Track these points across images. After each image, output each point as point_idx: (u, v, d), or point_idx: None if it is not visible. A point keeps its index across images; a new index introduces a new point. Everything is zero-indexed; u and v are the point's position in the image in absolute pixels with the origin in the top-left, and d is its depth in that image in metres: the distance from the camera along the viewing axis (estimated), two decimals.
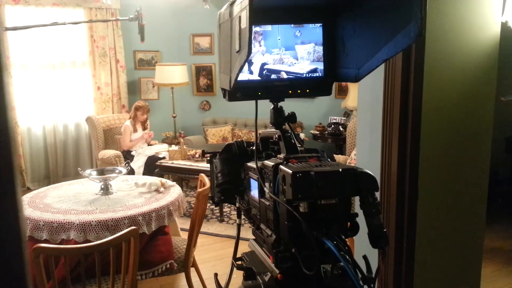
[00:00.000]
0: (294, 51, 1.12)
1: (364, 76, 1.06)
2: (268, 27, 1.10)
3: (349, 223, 0.96)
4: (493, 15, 2.18)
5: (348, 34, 1.10)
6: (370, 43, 1.03)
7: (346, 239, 0.95)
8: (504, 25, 2.46)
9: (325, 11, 1.13)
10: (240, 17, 0.87)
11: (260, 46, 1.09)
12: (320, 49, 1.14)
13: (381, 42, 0.98)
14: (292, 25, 1.12)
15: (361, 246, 2.15)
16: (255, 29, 1.07)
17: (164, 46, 6.67)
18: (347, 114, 5.91)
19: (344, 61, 1.12)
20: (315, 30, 1.13)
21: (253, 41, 0.98)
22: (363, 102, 2.32)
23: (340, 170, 0.90)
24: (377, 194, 0.95)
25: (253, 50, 1.05)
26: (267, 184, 1.02)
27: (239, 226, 1.28)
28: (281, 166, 0.94)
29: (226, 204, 4.68)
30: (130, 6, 6.05)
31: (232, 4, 0.94)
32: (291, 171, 0.88)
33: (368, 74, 1.05)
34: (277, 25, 1.10)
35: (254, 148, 1.13)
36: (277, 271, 1.00)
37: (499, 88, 2.39)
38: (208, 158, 1.27)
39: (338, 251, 0.87)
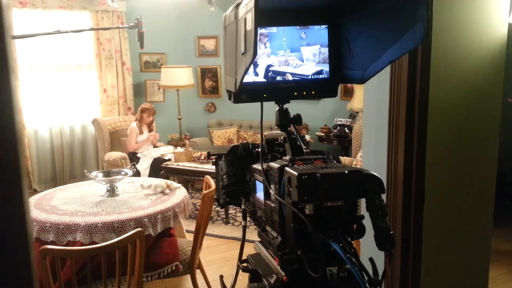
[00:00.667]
0: (299, 53, 1.12)
1: (369, 78, 1.06)
2: (274, 29, 1.10)
3: (355, 225, 0.96)
4: (500, 15, 2.17)
5: (354, 35, 1.09)
6: (376, 45, 1.02)
7: (352, 241, 0.95)
8: (511, 26, 2.45)
9: (330, 13, 1.13)
10: (245, 19, 0.87)
11: (266, 48, 1.09)
12: (325, 50, 1.14)
13: (386, 44, 0.98)
14: (297, 27, 1.11)
15: (367, 249, 2.14)
16: (261, 31, 1.07)
17: (170, 48, 6.70)
18: (353, 115, 5.89)
19: (349, 63, 1.12)
20: (321, 31, 1.13)
21: (258, 43, 0.98)
22: (369, 103, 2.31)
23: (346, 172, 0.90)
24: (383, 196, 0.94)
25: (259, 52, 1.05)
26: (272, 186, 1.01)
27: (244, 228, 1.28)
28: (287, 168, 0.94)
29: (231, 206, 4.68)
30: (136, 9, 6.09)
31: (237, 6, 0.94)
32: (296, 173, 0.88)
33: (374, 75, 1.05)
34: (282, 27, 1.10)
35: (259, 150, 1.13)
36: (283, 273, 1.00)
37: (505, 89, 2.37)
38: (214, 160, 1.27)
39: (344, 253, 0.86)
